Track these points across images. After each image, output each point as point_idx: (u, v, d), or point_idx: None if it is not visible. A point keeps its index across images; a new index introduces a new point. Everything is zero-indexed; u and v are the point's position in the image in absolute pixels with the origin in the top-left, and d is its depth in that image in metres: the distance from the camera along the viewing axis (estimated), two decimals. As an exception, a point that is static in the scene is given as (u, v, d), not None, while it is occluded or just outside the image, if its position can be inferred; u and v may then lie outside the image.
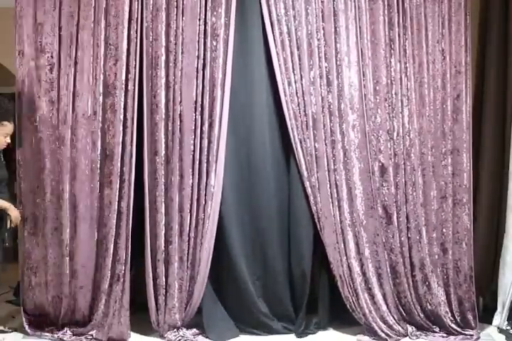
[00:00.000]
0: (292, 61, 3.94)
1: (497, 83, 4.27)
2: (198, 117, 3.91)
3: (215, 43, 3.91)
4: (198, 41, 3.89)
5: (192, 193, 3.91)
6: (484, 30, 4.34)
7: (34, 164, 3.92)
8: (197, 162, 3.91)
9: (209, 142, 3.91)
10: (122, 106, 3.87)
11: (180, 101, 3.90)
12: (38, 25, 3.87)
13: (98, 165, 3.89)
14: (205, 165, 3.90)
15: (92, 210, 3.91)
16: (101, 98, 3.88)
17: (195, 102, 3.90)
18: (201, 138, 3.92)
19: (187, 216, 3.91)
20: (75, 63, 3.88)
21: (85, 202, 3.90)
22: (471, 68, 4.08)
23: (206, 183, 3.91)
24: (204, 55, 3.90)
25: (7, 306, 4.01)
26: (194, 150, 3.91)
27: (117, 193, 3.87)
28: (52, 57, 3.88)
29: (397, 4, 3.97)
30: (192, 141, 3.91)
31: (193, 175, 3.91)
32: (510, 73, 4.21)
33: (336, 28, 3.96)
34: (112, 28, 3.87)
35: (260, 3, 3.94)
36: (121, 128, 3.88)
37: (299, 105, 3.94)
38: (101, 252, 3.91)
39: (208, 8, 3.90)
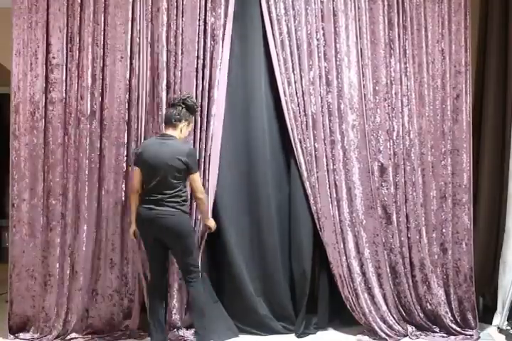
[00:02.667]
0: (292, 61, 3.95)
1: (497, 83, 4.26)
2: (198, 118, 3.91)
3: (213, 43, 3.91)
4: (198, 41, 3.90)
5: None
6: (484, 30, 4.34)
7: (32, 165, 3.91)
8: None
9: (206, 143, 3.91)
10: (127, 107, 3.90)
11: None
12: (40, 25, 3.89)
13: (98, 166, 3.90)
14: (201, 165, 3.90)
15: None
16: (100, 98, 3.90)
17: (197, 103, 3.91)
18: (200, 138, 3.92)
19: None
20: (77, 63, 3.91)
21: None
22: (471, 68, 4.08)
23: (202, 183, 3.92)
24: (204, 55, 3.91)
25: (7, 306, 4.00)
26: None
27: (124, 194, 3.90)
28: (54, 58, 3.89)
29: (397, 4, 3.98)
30: (192, 142, 3.91)
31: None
32: (510, 73, 4.20)
33: (335, 28, 3.97)
34: (112, 29, 3.89)
35: (260, 3, 3.95)
36: (127, 128, 3.91)
37: (298, 105, 3.95)
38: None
39: (207, 9, 3.91)
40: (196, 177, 3.52)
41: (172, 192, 3.44)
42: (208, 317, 3.58)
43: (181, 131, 3.55)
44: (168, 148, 3.44)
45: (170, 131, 3.52)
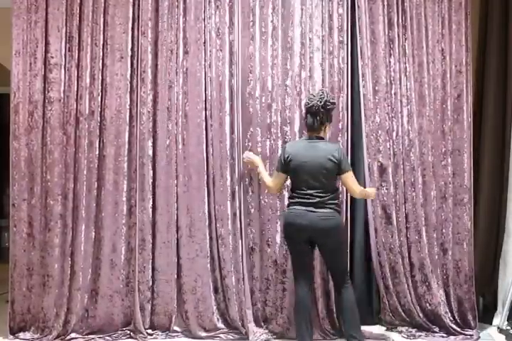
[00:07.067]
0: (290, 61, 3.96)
1: (497, 83, 4.25)
2: (203, 118, 3.94)
3: (219, 42, 3.92)
4: (198, 40, 3.92)
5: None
6: (484, 30, 4.33)
7: (31, 165, 3.92)
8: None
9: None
10: (128, 107, 3.91)
11: (186, 102, 3.94)
12: (39, 25, 3.90)
13: (96, 166, 3.90)
14: None
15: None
16: (99, 98, 3.90)
17: (199, 103, 3.94)
18: (207, 138, 3.94)
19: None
20: (76, 63, 3.91)
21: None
22: (471, 68, 4.07)
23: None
24: (210, 54, 3.92)
25: (7, 306, 4.01)
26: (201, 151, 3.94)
27: (124, 194, 3.92)
28: (52, 57, 3.89)
29: (397, 4, 3.97)
30: (196, 141, 3.92)
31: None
32: (510, 73, 4.20)
33: (334, 27, 3.95)
34: (111, 29, 3.90)
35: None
36: (127, 128, 3.92)
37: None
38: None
39: (211, 7, 3.93)
40: (349, 177, 3.46)
41: (329, 194, 3.43)
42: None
43: (325, 131, 3.55)
44: (319, 150, 3.43)
45: (315, 133, 3.51)
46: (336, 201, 3.47)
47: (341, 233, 3.53)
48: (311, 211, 3.39)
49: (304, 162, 3.42)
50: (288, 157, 3.47)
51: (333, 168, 3.41)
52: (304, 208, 3.41)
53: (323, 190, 3.41)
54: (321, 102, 3.42)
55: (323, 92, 3.47)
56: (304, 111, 3.57)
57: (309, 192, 3.41)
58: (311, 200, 3.40)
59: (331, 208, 3.42)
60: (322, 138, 3.51)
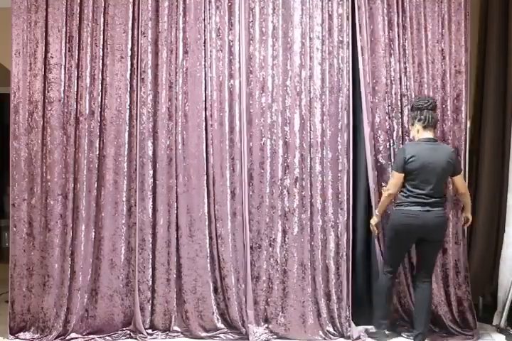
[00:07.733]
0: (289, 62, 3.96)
1: (497, 83, 4.25)
2: (203, 118, 3.94)
3: (219, 42, 3.92)
4: (198, 40, 3.92)
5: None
6: (484, 30, 4.33)
7: (31, 165, 3.92)
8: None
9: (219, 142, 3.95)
10: (128, 107, 3.92)
11: (186, 102, 3.94)
12: (39, 25, 3.90)
13: (96, 166, 3.91)
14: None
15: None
16: (99, 98, 3.90)
17: (199, 103, 3.94)
18: (207, 138, 3.94)
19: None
20: (76, 63, 3.91)
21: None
22: (471, 68, 4.07)
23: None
24: (210, 54, 3.93)
25: (7, 306, 4.01)
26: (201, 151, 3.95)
27: (124, 194, 3.93)
28: (52, 57, 3.89)
29: (397, 4, 3.96)
30: (196, 141, 3.92)
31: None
32: (510, 73, 4.20)
33: (334, 27, 3.95)
34: (111, 29, 3.90)
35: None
36: (127, 128, 3.92)
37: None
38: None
39: (211, 7, 3.93)
40: (460, 177, 3.72)
41: (441, 194, 3.66)
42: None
43: (436, 129, 3.73)
44: (440, 152, 3.58)
45: (432, 134, 3.64)
46: (443, 199, 3.68)
47: (446, 230, 3.77)
48: (428, 210, 3.56)
49: (428, 163, 3.55)
50: (409, 158, 3.57)
51: (450, 170, 3.63)
52: (420, 208, 3.56)
53: (438, 190, 3.60)
54: (432, 100, 3.72)
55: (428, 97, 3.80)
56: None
57: (427, 192, 3.57)
58: (427, 200, 3.55)
59: (442, 207, 3.64)
60: (437, 139, 3.65)
